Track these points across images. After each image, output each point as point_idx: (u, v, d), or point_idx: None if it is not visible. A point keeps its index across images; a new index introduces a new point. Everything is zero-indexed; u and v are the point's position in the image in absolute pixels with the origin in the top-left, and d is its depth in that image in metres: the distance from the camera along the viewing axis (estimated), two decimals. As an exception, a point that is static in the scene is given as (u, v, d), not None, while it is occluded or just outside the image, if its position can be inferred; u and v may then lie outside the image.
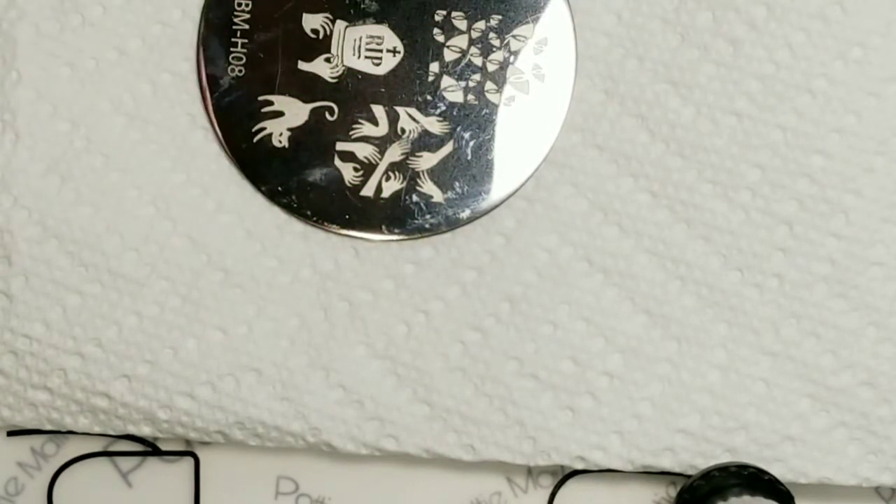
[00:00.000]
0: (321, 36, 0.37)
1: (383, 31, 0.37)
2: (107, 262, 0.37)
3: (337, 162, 0.37)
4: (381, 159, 0.37)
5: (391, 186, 0.37)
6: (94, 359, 0.37)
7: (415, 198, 0.37)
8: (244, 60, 0.37)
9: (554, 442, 0.37)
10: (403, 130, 0.37)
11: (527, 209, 0.37)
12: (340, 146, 0.37)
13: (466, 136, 0.37)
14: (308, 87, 0.37)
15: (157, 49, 0.37)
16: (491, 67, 0.37)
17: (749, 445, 0.37)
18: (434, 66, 0.37)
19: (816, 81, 0.36)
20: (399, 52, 0.37)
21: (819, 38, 0.36)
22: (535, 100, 0.37)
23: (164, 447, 0.39)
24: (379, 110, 0.37)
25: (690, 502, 0.37)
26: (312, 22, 0.37)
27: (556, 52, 0.37)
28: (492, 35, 0.37)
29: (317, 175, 0.37)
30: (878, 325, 0.37)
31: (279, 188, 0.37)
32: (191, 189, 0.37)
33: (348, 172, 0.37)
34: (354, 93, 0.37)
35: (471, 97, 0.37)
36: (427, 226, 0.37)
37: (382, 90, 0.37)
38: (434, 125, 0.37)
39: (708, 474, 0.37)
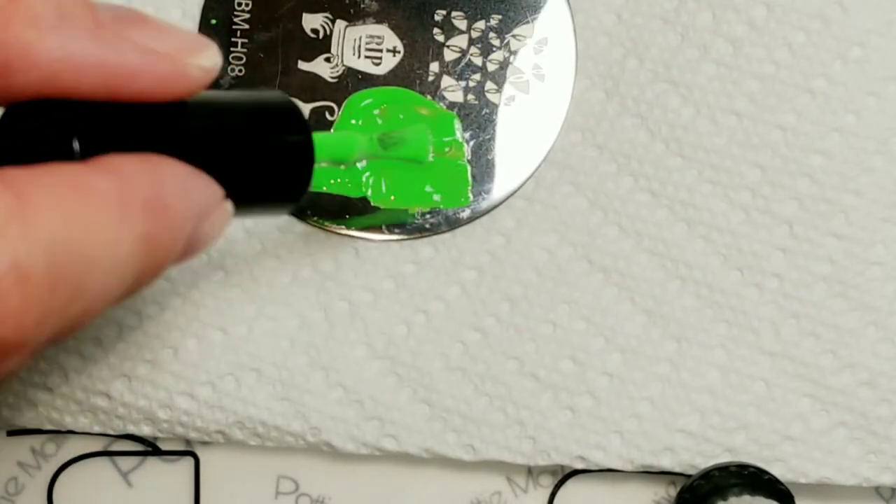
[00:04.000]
0: (321, 36, 0.37)
1: (383, 30, 0.37)
2: (107, 262, 0.37)
3: (337, 162, 0.37)
4: (381, 159, 0.37)
5: (391, 186, 0.37)
6: (94, 358, 0.37)
7: (415, 198, 0.37)
8: (244, 60, 0.37)
9: (554, 442, 0.37)
10: (403, 130, 0.37)
11: (527, 209, 0.37)
12: (340, 146, 0.37)
13: (466, 135, 0.37)
14: (308, 87, 0.37)
15: (158, 49, 0.37)
16: (491, 67, 0.37)
17: (749, 445, 0.37)
18: (434, 66, 0.37)
19: (816, 81, 0.36)
20: (399, 52, 0.37)
21: (819, 38, 0.36)
22: (535, 99, 0.37)
23: (164, 447, 0.39)
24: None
25: (690, 502, 0.37)
26: (312, 22, 0.37)
27: (556, 51, 0.37)
28: (492, 35, 0.37)
29: (317, 175, 0.37)
30: (878, 325, 0.37)
31: (279, 188, 0.37)
32: (191, 189, 0.37)
33: (348, 172, 0.37)
34: (354, 92, 0.37)
35: (471, 97, 0.37)
36: (427, 226, 0.37)
37: (382, 90, 0.37)
38: (434, 125, 0.37)
39: (708, 474, 0.37)
